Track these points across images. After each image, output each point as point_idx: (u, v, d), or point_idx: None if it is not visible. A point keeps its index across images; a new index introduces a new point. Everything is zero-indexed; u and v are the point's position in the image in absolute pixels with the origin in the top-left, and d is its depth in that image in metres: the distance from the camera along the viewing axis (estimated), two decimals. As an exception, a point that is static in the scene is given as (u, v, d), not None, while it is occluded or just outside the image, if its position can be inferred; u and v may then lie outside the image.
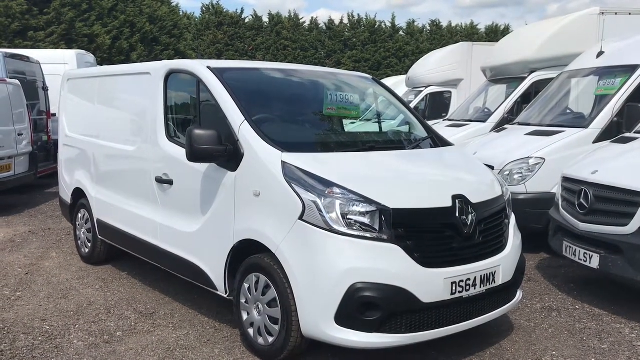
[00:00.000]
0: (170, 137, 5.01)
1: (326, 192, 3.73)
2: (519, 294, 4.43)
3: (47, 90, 12.92)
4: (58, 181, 7.47)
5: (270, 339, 4.02)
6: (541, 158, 6.87)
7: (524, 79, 10.06)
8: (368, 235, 3.65)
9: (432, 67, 14.95)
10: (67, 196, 6.99)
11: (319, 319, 3.67)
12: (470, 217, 3.95)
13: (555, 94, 8.24)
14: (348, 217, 3.68)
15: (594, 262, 5.06)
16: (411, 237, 3.73)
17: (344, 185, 3.77)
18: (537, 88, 9.67)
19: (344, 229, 3.65)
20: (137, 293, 5.61)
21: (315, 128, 4.99)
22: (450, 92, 14.68)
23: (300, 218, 3.75)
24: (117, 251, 6.35)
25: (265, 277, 4.03)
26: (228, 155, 4.24)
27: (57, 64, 13.67)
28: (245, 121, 4.25)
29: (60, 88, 7.16)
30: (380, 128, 5.12)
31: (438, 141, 5.04)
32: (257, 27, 40.27)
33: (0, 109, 9.42)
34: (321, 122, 5.03)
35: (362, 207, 3.69)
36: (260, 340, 4.11)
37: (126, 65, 5.90)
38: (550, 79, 8.97)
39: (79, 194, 6.68)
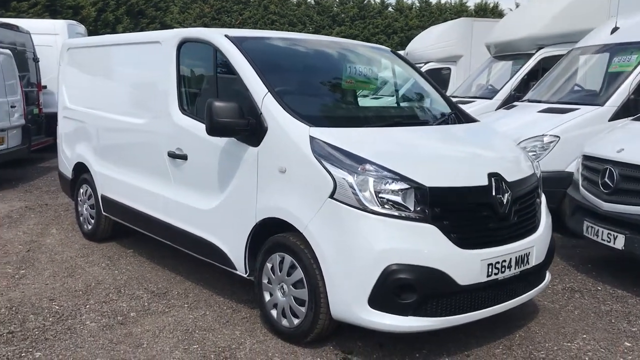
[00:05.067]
0: (184, 109, 4.78)
1: (359, 169, 3.55)
2: (548, 276, 4.31)
3: (38, 61, 12.52)
4: (57, 155, 7.21)
5: (296, 321, 3.87)
6: (556, 136, 6.73)
7: (530, 55, 9.87)
8: (403, 214, 3.48)
9: (431, 43, 14.70)
10: (67, 171, 6.74)
11: (351, 302, 3.52)
12: (506, 196, 3.79)
13: (565, 71, 8.08)
14: (381, 195, 3.50)
15: (619, 242, 4.95)
16: (447, 217, 3.57)
17: (377, 161, 3.59)
18: (544, 65, 9.50)
19: (378, 208, 3.47)
20: (146, 272, 5.42)
21: (339, 101, 4.78)
22: (449, 69, 14.45)
23: (331, 196, 3.57)
24: (121, 228, 6.14)
25: (290, 257, 3.87)
26: (250, 129, 4.03)
27: (47, 34, 13.25)
28: (269, 93, 4.04)
29: (59, 58, 6.85)
30: (398, 102, 4.92)
31: (462, 117, 4.86)
32: (245, 1, 39.53)
33: (-9, 80, 9.05)
34: (344, 95, 4.82)
35: (396, 185, 3.52)
36: (285, 322, 3.95)
37: (133, 33, 5.62)
38: (559, 56, 8.80)
39: (80, 168, 6.43)
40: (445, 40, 14.38)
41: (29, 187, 9.40)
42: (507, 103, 8.98)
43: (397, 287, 3.43)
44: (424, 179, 3.55)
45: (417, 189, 3.52)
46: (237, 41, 4.39)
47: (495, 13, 37.37)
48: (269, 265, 4.05)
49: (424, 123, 4.64)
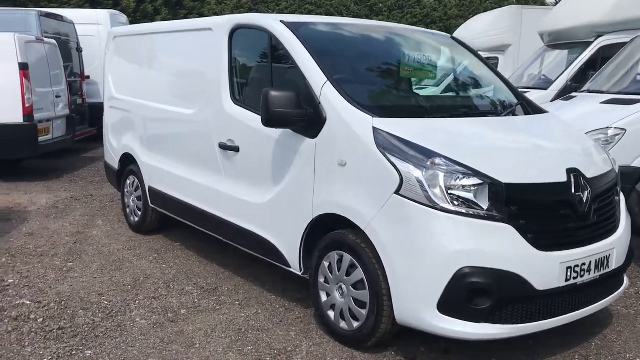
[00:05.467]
0: (236, 99, 4.59)
1: (428, 164, 3.30)
2: (626, 280, 3.99)
3: (81, 51, 12.55)
4: (100, 145, 7.13)
5: (356, 324, 3.65)
6: (621, 129, 6.31)
7: (588, 44, 9.40)
8: (477, 212, 3.21)
9: (479, 31, 14.23)
10: (113, 162, 6.64)
11: (418, 306, 3.28)
12: (585, 193, 3.49)
13: (629, 59, 7.62)
14: (452, 191, 3.24)
15: (699, 244, 4.58)
16: (524, 215, 3.29)
17: (448, 155, 3.33)
18: (603, 54, 9.02)
19: (449, 206, 3.22)
20: (194, 266, 5.27)
21: (400, 90, 4.53)
22: (497, 59, 13.96)
23: (397, 192, 3.33)
24: (168, 220, 6.02)
25: (350, 256, 3.64)
26: (308, 120, 3.81)
27: (90, 24, 13.27)
28: (328, 82, 3.81)
29: (105, 47, 6.75)
30: (461, 92, 4.63)
31: (529, 107, 4.55)
32: (278, -9, 39.38)
33: (37, 70, 9.03)
34: (404, 84, 4.56)
35: (469, 181, 3.26)
36: (343, 324, 3.74)
37: (183, 20, 5.43)
38: (620, 44, 8.32)
39: (127, 159, 6.33)
40: (494, 29, 13.90)
41: (74, 177, 9.39)
42: (564, 94, 8.54)
43: (469, 292, 3.17)
44: (499, 174, 3.28)
45: (492, 185, 3.25)
46: (293, 27, 4.17)
47: (537, 1, 36.39)
48: (325, 263, 3.84)
49: (491, 114, 4.34)
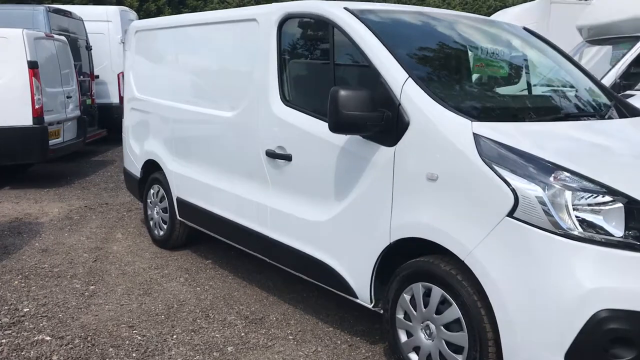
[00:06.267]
0: (287, 100, 3.96)
1: (551, 179, 2.66)
2: None
3: (91, 49, 11.92)
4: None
5: (449, 373, 3.02)
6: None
7: (635, 38, 8.74)
8: (615, 240, 2.58)
9: (505, 27, 13.58)
10: (135, 169, 6.01)
11: (538, 356, 2.65)
12: None
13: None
14: (580, 214, 2.61)
15: None
16: (672, 244, 2.65)
17: (574, 168, 2.70)
18: (655, 49, 8.37)
19: (579, 232, 2.58)
20: (232, 289, 4.64)
21: (489, 89, 3.88)
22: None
23: (510, 215, 2.69)
24: (196, 233, 5.39)
25: (441, 290, 3.01)
26: (385, 124, 3.18)
27: (99, 21, 12.65)
28: (410, 79, 3.17)
29: (126, 42, 6.12)
30: (552, 91, 3.99)
31: (624, 108, 3.92)
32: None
33: (47, 68, 8.40)
34: (491, 81, 3.92)
35: (602, 201, 2.62)
36: (431, 371, 3.11)
37: (220, 11, 4.80)
38: (675, 39, 7.71)
39: (151, 166, 5.70)
40: (521, 24, 13.22)
41: (86, 183, 8.76)
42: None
43: (608, 341, 2.54)
44: (637, 192, 2.65)
45: (630, 205, 2.61)
46: (361, 15, 3.53)
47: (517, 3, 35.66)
48: (406, 296, 3.21)
49: (589, 116, 3.70)
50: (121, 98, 12.98)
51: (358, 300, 3.53)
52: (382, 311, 3.44)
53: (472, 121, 2.93)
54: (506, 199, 2.70)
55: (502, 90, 3.92)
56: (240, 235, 4.50)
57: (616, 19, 9.28)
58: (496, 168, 2.76)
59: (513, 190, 2.69)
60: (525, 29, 4.58)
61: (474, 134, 2.88)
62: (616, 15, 9.27)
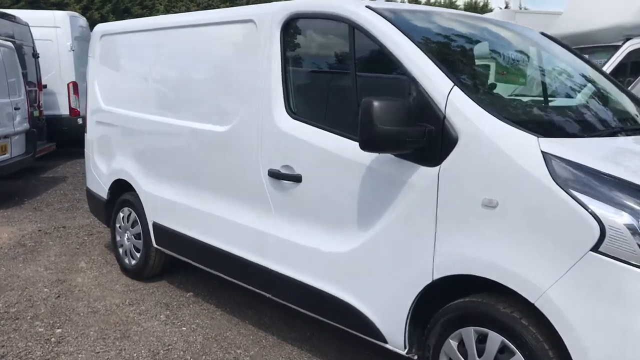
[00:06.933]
0: (293, 112, 3.43)
1: (644, 207, 2.24)
2: None
3: (38, 57, 11.03)
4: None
5: None
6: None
7: (613, 47, 8.62)
8: None
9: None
10: (100, 189, 5.34)
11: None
12: None
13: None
14: (679, 248, 2.20)
15: None
16: None
17: (669, 194, 2.28)
18: (635, 58, 8.26)
19: (683, 270, 2.17)
20: (223, 328, 4.06)
21: (540, 100, 3.45)
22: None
23: (595, 249, 2.25)
24: (172, 260, 4.79)
25: (500, 336, 2.55)
26: (427, 140, 2.71)
27: (47, 26, 11.78)
28: (456, 87, 2.71)
29: (90, 48, 5.45)
30: (590, 101, 3.60)
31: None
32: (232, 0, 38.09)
33: (-8, 77, 7.60)
34: (539, 90, 3.50)
35: None
36: None
37: (208, 12, 4.23)
38: (655, 48, 7.59)
39: (120, 187, 5.05)
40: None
41: (38, 203, 7.94)
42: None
43: None
44: None
45: None
46: (389, 15, 3.05)
47: (486, 12, 36.37)
48: (453, 343, 2.73)
49: (636, 130, 3.32)
50: (71, 109, 12.24)
51: (388, 346, 3.03)
52: (416, 357, 2.96)
53: (538, 137, 2.49)
54: (589, 230, 2.26)
55: (555, 101, 3.51)
56: (233, 267, 3.93)
57: (593, 28, 9.15)
58: (574, 193, 2.32)
59: (598, 220, 2.25)
60: (542, 33, 4.20)
61: (542, 152, 2.44)
62: (593, 24, 9.15)
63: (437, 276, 2.74)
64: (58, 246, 5.95)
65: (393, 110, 2.65)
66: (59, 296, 4.60)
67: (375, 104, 2.65)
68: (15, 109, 8.23)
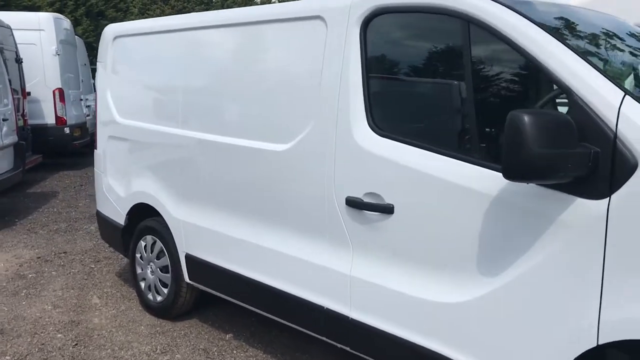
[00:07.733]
0: (379, 127, 2.81)
1: None
2: None
3: (21, 62, 10.21)
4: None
5: None
6: None
7: None
8: None
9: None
10: (116, 214, 4.65)
11: None
12: None
13: None
14: None
15: None
16: None
17: None
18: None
19: None
20: (281, 382, 3.43)
21: None
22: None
23: None
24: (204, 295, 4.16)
25: None
26: (593, 166, 2.10)
27: (30, 29, 10.96)
28: (628, 96, 2.11)
29: (100, 52, 4.74)
30: None
31: None
32: (207, 2, 37.23)
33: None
34: None
35: None
36: None
37: (261, 7, 3.58)
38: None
39: (140, 210, 4.37)
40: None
41: (30, 224, 7.17)
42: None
43: None
44: None
45: None
46: (521, 9, 2.43)
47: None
48: None
49: None
50: (57, 118, 11.42)
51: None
52: None
53: None
54: None
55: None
56: (299, 313, 3.28)
57: None
58: None
59: None
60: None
61: None
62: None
63: (603, 340, 2.13)
64: (63, 277, 5.23)
65: (553, 127, 2.04)
66: (76, 344, 3.91)
67: (527, 119, 2.03)
68: (3, 120, 7.45)
